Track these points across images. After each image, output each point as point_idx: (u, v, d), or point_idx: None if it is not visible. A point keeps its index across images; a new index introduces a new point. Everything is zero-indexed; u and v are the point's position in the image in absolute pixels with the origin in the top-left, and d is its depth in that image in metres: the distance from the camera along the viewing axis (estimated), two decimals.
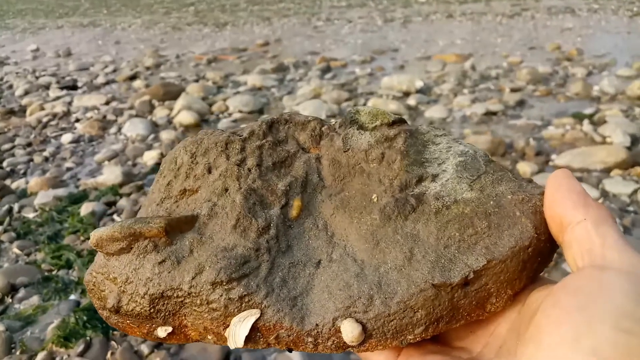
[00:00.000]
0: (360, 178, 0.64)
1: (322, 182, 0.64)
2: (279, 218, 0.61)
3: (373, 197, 0.61)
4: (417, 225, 0.58)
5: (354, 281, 0.55)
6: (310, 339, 0.54)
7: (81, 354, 2.20)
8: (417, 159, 0.63)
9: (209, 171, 0.64)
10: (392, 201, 0.59)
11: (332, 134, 0.68)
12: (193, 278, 0.56)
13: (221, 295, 0.55)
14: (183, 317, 0.57)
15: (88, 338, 2.26)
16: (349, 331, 0.53)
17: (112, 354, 2.21)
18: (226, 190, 0.62)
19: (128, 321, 0.58)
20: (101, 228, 0.59)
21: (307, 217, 0.62)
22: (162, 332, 0.58)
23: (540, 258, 0.55)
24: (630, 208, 3.10)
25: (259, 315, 0.54)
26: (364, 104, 5.03)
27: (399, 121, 0.67)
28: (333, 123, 0.69)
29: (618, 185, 3.29)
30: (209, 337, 0.57)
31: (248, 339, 0.54)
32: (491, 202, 0.58)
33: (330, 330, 0.54)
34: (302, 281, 0.57)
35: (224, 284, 0.55)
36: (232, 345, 0.54)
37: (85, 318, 2.34)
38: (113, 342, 2.28)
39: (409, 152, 0.64)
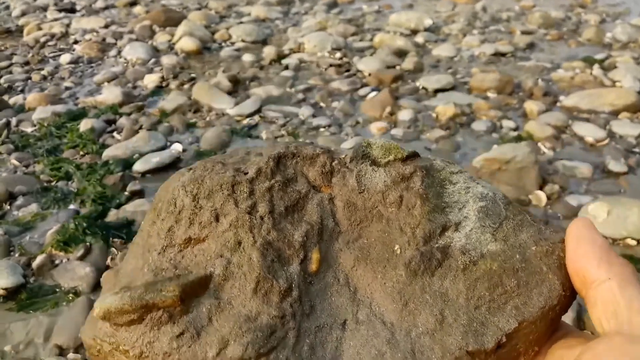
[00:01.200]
0: (379, 224, 0.59)
1: (338, 227, 0.59)
2: (300, 276, 0.56)
3: (396, 249, 0.57)
4: (444, 282, 0.55)
5: (386, 349, 0.52)
6: None
7: (81, 258, 2.20)
8: (438, 203, 0.59)
9: (217, 219, 0.58)
10: (418, 255, 0.56)
11: (343, 170, 0.62)
12: (217, 354, 0.51)
13: None
14: None
15: (88, 244, 2.26)
16: None
17: (112, 259, 2.22)
18: (239, 243, 0.56)
19: None
20: (107, 298, 0.52)
21: (327, 270, 0.57)
22: None
23: (564, 311, 0.55)
24: (636, 149, 3.09)
25: None
26: (371, 39, 4.91)
27: (412, 156, 0.63)
28: (343, 157, 0.63)
29: (625, 127, 3.26)
30: None
31: None
32: (517, 256, 0.56)
33: None
34: (331, 346, 0.53)
35: (252, 358, 0.51)
36: None
37: (85, 225, 2.34)
38: (113, 249, 2.28)
39: (429, 195, 0.59)
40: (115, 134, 3.30)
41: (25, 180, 2.80)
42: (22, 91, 4.02)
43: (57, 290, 2.09)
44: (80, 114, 3.53)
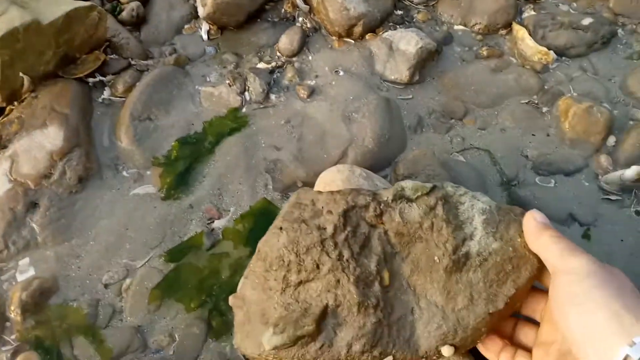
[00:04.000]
0: (421, 243, 0.91)
1: (394, 250, 0.92)
2: (381, 291, 0.89)
3: (435, 259, 0.90)
4: (469, 275, 0.89)
5: (442, 322, 0.88)
6: (422, 359, 0.88)
7: None
8: (457, 223, 0.91)
9: (317, 267, 0.89)
10: (451, 262, 0.89)
11: (389, 209, 0.92)
12: (347, 351, 0.86)
13: (368, 356, 0.87)
14: None
15: None
16: (447, 351, 0.88)
17: None
18: (338, 281, 0.88)
19: None
20: (272, 338, 0.86)
21: (395, 281, 0.91)
22: None
23: (538, 276, 0.91)
24: None
25: (392, 359, 0.88)
26: None
27: (433, 188, 0.93)
28: (386, 199, 0.93)
29: None
30: None
31: None
32: (510, 249, 0.89)
33: (434, 352, 0.88)
34: (409, 327, 0.89)
35: (369, 350, 0.87)
36: None
37: None
38: None
39: (450, 218, 0.91)
40: None
41: None
42: None
43: None
44: None
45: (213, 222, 1.26)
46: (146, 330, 1.13)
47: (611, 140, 1.41)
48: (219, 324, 1.13)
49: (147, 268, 1.20)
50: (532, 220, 0.87)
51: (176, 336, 1.12)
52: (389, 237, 0.93)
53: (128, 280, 1.18)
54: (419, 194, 0.93)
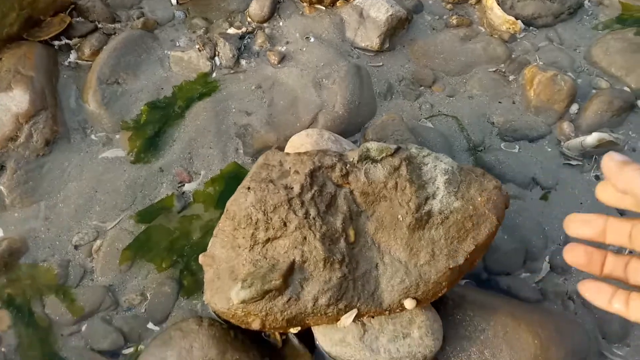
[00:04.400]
0: (385, 202, 0.95)
1: (359, 208, 0.95)
2: (346, 247, 0.93)
3: (399, 217, 0.94)
4: (431, 231, 0.94)
5: (405, 276, 0.93)
6: (387, 312, 0.93)
7: None
8: (420, 183, 0.95)
9: (285, 225, 0.92)
10: (414, 220, 0.93)
11: (355, 170, 0.95)
12: (314, 304, 0.91)
13: (333, 309, 0.92)
14: (308, 321, 0.93)
15: None
16: (409, 304, 0.93)
17: None
18: (305, 238, 0.92)
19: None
20: (240, 292, 0.90)
21: (360, 238, 0.95)
22: (293, 330, 0.96)
23: (496, 233, 0.97)
24: None
25: (356, 311, 0.93)
26: None
27: (397, 149, 0.96)
28: (351, 160, 0.95)
29: None
30: (324, 324, 0.96)
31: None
32: (470, 207, 0.94)
33: (398, 305, 0.93)
34: (373, 282, 0.93)
35: (334, 303, 0.91)
36: (340, 326, 0.95)
37: None
38: None
39: (413, 178, 0.95)
40: None
41: None
42: None
43: None
44: None
45: (183, 185, 1.27)
46: (117, 290, 1.14)
47: (574, 108, 1.45)
48: (190, 282, 1.14)
49: (117, 230, 1.20)
50: (611, 161, 0.75)
51: (148, 295, 1.13)
52: (355, 197, 0.96)
53: (98, 242, 1.19)
54: (384, 154, 0.96)
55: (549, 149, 1.39)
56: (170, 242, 1.18)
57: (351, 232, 0.95)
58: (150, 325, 1.10)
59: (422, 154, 0.98)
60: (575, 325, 1.12)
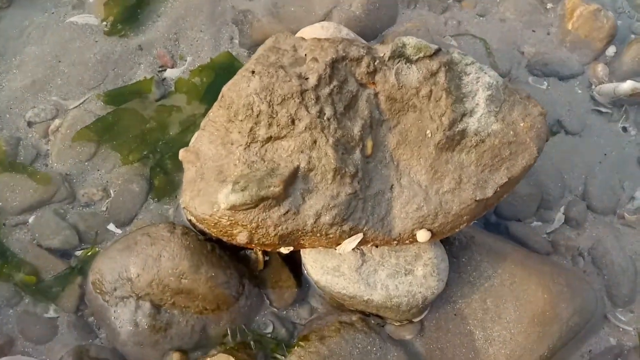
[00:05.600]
0: (414, 113, 0.79)
1: (383, 117, 0.79)
2: (361, 160, 0.77)
3: (427, 133, 0.79)
4: (461, 155, 0.79)
5: (423, 203, 0.78)
6: (395, 242, 0.79)
7: None
8: (458, 95, 0.79)
9: (292, 122, 0.75)
10: (444, 138, 0.78)
11: (384, 68, 0.78)
12: (315, 222, 0.75)
13: (337, 230, 0.76)
14: (303, 241, 0.77)
15: None
16: (422, 236, 0.79)
17: None
18: (315, 142, 0.75)
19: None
20: (230, 196, 0.72)
21: (378, 151, 0.79)
22: (284, 250, 0.79)
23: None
24: None
25: (362, 236, 0.78)
26: None
27: (437, 51, 0.78)
28: (382, 55, 0.78)
29: None
30: (320, 247, 0.80)
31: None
32: (511, 132, 0.79)
33: (409, 236, 0.79)
34: (385, 205, 0.78)
35: (339, 223, 0.76)
36: (339, 251, 0.80)
37: None
38: None
39: (451, 88, 0.78)
40: None
41: None
42: None
43: None
44: None
45: (165, 70, 1.08)
46: (76, 181, 0.97)
47: (611, 50, 1.30)
48: (162, 183, 0.98)
49: (81, 110, 1.01)
50: None
51: (111, 192, 0.97)
52: (379, 101, 0.81)
53: (57, 121, 1.00)
54: (421, 55, 0.80)
55: (579, 91, 1.25)
56: (143, 132, 1.01)
57: (369, 143, 0.80)
58: (111, 227, 0.94)
59: (464, 61, 0.83)
60: (584, 284, 1.02)
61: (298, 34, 1.01)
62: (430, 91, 0.80)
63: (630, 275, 1.06)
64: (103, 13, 1.10)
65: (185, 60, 1.09)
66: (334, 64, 0.79)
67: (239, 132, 0.79)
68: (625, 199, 1.13)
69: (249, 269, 0.91)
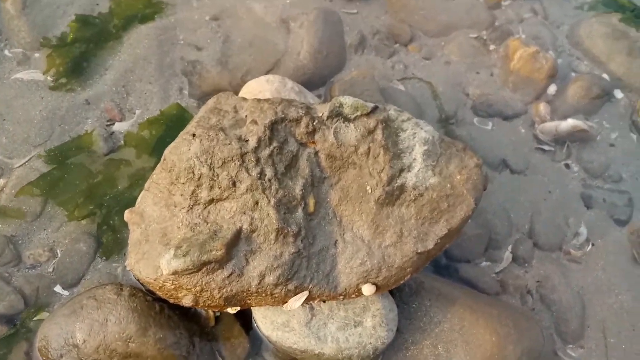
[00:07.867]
0: (354, 170, 0.81)
1: (323, 174, 0.81)
2: (304, 218, 0.79)
3: (367, 189, 0.81)
4: (401, 209, 0.81)
5: (366, 258, 0.80)
6: (341, 297, 0.80)
7: None
8: (395, 151, 0.81)
9: (234, 184, 0.76)
10: (384, 193, 0.80)
11: (323, 127, 0.80)
12: (259, 283, 0.76)
13: (282, 290, 0.77)
14: (250, 301, 0.77)
15: None
16: (367, 290, 0.81)
17: None
18: (257, 203, 0.76)
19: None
20: (172, 260, 0.73)
21: (320, 208, 0.81)
22: (231, 310, 0.79)
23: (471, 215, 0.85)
24: None
25: (307, 294, 0.79)
26: None
27: (374, 109, 0.81)
28: (321, 115, 0.80)
29: None
30: (267, 306, 0.80)
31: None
32: (448, 185, 0.82)
33: (354, 290, 0.80)
34: (330, 261, 0.80)
35: (283, 283, 0.77)
36: (286, 309, 0.80)
37: None
38: None
39: (388, 145, 0.81)
40: None
41: None
42: None
43: None
44: None
45: (114, 124, 1.08)
46: (21, 242, 0.95)
47: (552, 88, 1.35)
48: (110, 241, 0.97)
49: (26, 169, 1.00)
50: None
51: (58, 251, 0.95)
52: (320, 159, 0.83)
53: (2, 181, 0.98)
54: (359, 113, 0.83)
55: (523, 130, 1.29)
56: (90, 186, 1.00)
57: (311, 201, 0.81)
58: (58, 289, 0.93)
59: (401, 118, 0.86)
60: (532, 323, 1.05)
61: (244, 88, 1.02)
62: (369, 148, 0.82)
63: (578, 310, 1.09)
64: (46, 65, 1.09)
65: (134, 114, 1.09)
66: (273, 125, 0.80)
67: (182, 195, 0.79)
68: (571, 235, 1.16)
69: (200, 326, 0.91)
